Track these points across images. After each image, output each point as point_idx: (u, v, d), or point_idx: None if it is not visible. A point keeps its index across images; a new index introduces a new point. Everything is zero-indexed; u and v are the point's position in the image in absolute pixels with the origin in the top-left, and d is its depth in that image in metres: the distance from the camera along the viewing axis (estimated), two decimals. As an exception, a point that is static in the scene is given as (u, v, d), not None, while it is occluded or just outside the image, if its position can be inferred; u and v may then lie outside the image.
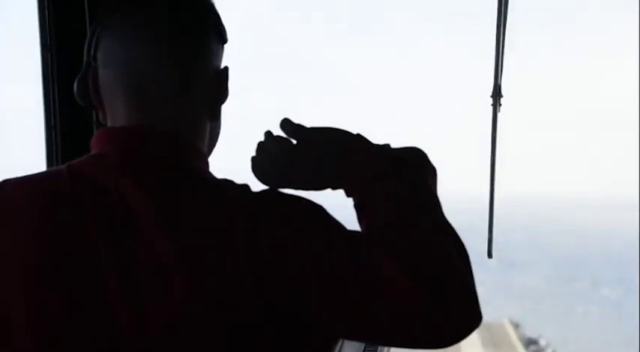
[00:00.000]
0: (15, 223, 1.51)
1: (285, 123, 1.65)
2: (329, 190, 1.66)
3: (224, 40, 1.66)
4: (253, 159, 1.67)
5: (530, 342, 40.03)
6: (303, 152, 1.64)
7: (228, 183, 1.56)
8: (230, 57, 1.67)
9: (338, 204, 1.64)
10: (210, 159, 1.66)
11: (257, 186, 1.60)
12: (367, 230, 1.53)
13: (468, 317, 1.44)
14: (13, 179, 1.58)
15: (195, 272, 1.45)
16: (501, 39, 3.09)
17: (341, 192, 1.63)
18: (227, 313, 1.45)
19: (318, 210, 1.54)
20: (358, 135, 1.64)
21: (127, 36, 1.58)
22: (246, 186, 1.55)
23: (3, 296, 1.49)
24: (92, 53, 1.62)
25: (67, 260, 1.48)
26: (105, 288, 1.46)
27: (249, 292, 1.45)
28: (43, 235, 1.49)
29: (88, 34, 1.64)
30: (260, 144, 1.66)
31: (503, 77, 3.12)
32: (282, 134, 1.65)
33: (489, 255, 3.25)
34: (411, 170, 1.60)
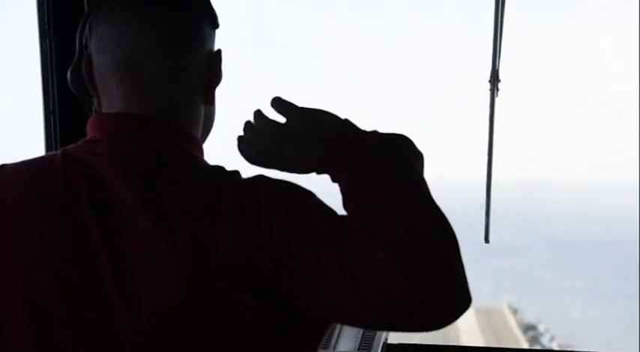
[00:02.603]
0: (11, 208, 1.51)
1: (277, 102, 1.65)
2: (314, 175, 1.66)
3: (216, 25, 1.66)
4: (240, 138, 1.67)
5: (528, 328, 40.04)
6: (292, 131, 1.63)
7: (218, 169, 1.56)
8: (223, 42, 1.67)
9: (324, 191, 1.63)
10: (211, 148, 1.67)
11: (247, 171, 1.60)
12: (353, 215, 1.53)
13: (455, 298, 1.43)
14: (10, 164, 1.58)
15: (183, 259, 1.45)
16: (499, 24, 3.09)
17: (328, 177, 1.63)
18: (215, 300, 1.46)
19: (307, 195, 1.53)
20: (346, 119, 1.64)
21: (120, 21, 1.57)
22: (235, 173, 1.55)
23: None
24: (84, 41, 1.62)
25: (62, 245, 1.48)
26: (99, 274, 1.46)
27: (237, 279, 1.45)
28: (39, 220, 1.49)
29: (80, 22, 1.64)
30: (248, 123, 1.66)
31: (501, 62, 3.12)
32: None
33: (486, 240, 3.26)
34: (399, 154, 1.60)
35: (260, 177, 1.55)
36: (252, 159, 1.65)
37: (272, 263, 1.45)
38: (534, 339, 38.09)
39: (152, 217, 1.47)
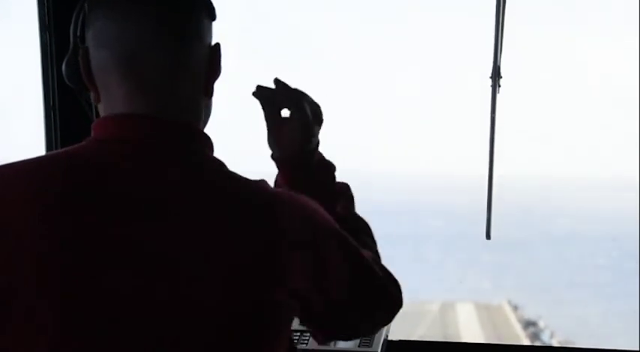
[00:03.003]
0: (19, 209, 1.47)
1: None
2: None
3: (213, 17, 1.65)
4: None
5: (529, 324, 40.04)
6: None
7: (239, 178, 1.56)
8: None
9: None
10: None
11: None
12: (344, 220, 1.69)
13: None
14: (12, 163, 1.54)
15: (200, 260, 1.46)
16: (500, 20, 3.09)
17: None
18: (236, 300, 1.47)
19: (315, 203, 1.61)
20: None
21: (119, 17, 1.55)
22: (262, 183, 1.57)
23: (9, 281, 1.46)
24: (80, 33, 1.60)
25: (73, 243, 1.45)
26: (107, 273, 1.44)
27: (261, 280, 1.48)
28: (49, 220, 1.46)
29: (74, 13, 1.62)
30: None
31: (502, 58, 3.12)
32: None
33: (488, 236, 3.25)
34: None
35: (288, 193, 1.60)
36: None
37: (296, 263, 1.50)
38: (535, 335, 38.10)
39: (166, 217, 1.47)
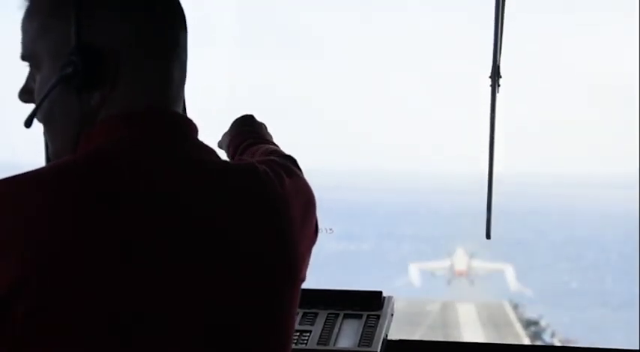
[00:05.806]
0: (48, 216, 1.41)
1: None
2: None
3: None
4: None
5: (530, 323, 40.07)
6: None
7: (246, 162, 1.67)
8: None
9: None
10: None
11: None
12: None
13: None
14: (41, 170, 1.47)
15: (229, 251, 1.51)
16: (500, 19, 3.09)
17: None
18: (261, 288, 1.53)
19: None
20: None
21: (159, 16, 1.56)
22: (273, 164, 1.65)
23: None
24: (97, 31, 1.52)
25: (113, 242, 1.42)
26: (168, 267, 1.45)
27: (280, 263, 1.55)
28: (88, 222, 1.41)
29: (74, 12, 1.52)
30: None
31: (501, 58, 3.13)
32: None
33: (487, 236, 3.26)
34: None
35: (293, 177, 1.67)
36: None
37: (299, 247, 1.60)
38: (536, 335, 38.14)
39: (209, 207, 1.51)
